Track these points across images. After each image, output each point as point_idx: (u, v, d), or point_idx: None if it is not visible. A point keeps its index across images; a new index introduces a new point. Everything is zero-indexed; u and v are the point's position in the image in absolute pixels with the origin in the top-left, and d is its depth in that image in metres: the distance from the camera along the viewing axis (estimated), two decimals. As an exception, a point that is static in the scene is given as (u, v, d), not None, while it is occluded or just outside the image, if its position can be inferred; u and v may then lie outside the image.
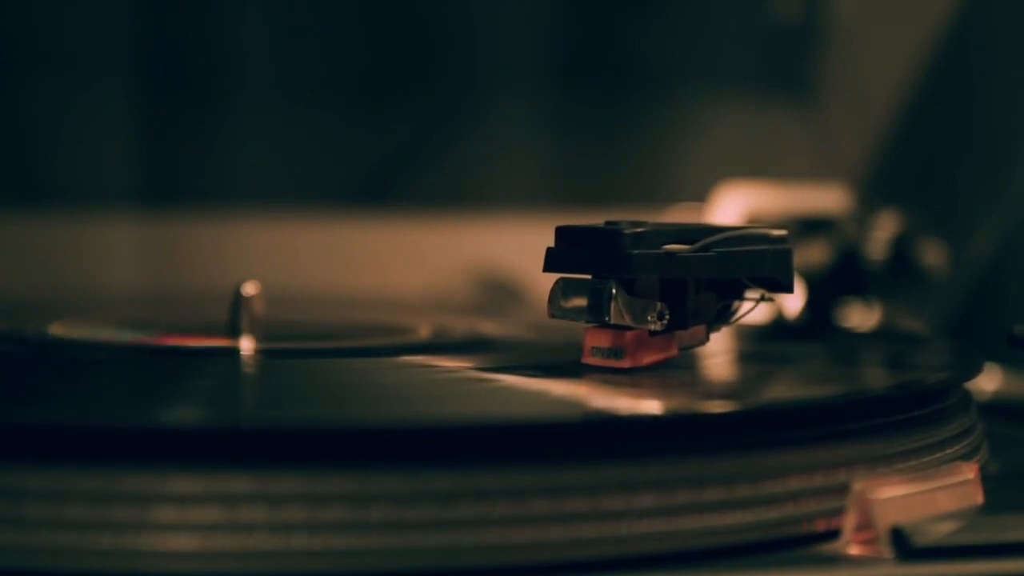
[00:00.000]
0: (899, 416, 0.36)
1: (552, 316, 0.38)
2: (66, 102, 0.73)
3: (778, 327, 0.54)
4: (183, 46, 0.74)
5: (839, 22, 0.70)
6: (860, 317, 0.58)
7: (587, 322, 0.37)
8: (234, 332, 0.44)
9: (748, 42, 0.78)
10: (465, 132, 0.76)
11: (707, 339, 0.39)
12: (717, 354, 0.43)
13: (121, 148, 0.73)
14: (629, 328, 0.37)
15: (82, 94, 0.72)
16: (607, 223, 0.37)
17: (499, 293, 0.70)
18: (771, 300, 0.40)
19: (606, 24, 0.78)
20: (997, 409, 0.48)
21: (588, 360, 0.38)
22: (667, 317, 0.37)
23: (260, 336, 0.44)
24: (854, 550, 0.32)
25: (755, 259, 0.38)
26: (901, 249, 0.58)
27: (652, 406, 0.34)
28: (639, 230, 0.36)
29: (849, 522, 0.32)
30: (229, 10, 0.74)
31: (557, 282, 0.38)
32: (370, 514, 0.29)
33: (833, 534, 0.33)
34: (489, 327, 0.50)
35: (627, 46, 0.77)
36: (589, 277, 0.37)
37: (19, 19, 0.72)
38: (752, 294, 0.39)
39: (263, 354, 0.43)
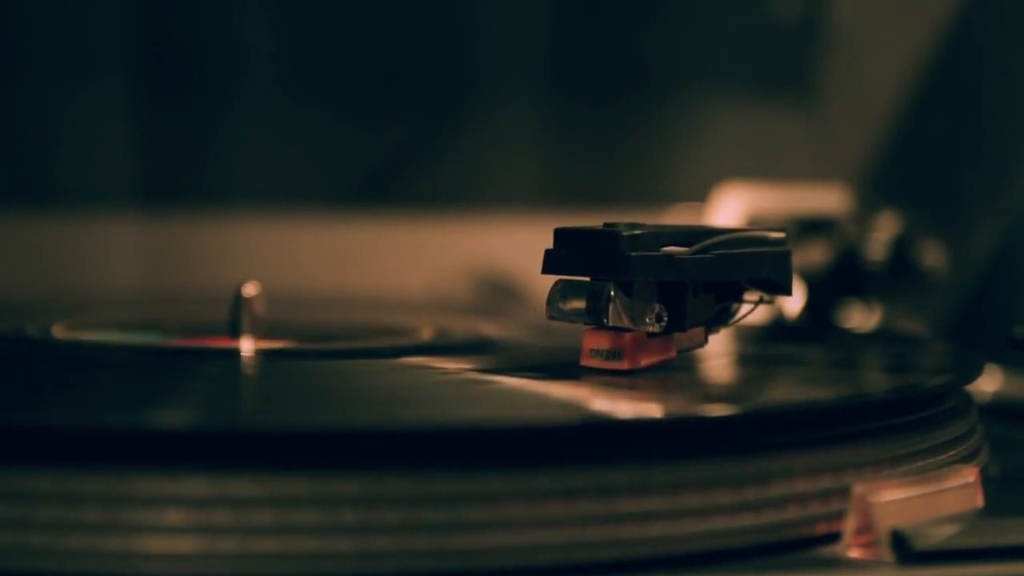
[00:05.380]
0: (899, 419, 0.35)
1: (551, 318, 0.38)
2: (66, 102, 0.73)
3: (778, 328, 0.54)
4: (183, 46, 0.74)
5: (839, 22, 0.70)
6: (860, 318, 0.58)
7: (586, 324, 0.37)
8: (234, 333, 0.44)
9: (748, 42, 0.78)
10: (464, 132, 0.76)
11: (706, 341, 0.39)
12: (717, 356, 0.43)
13: (121, 148, 0.73)
14: (627, 330, 0.37)
15: (82, 94, 0.72)
16: (605, 225, 0.37)
17: (499, 294, 0.70)
18: (770, 302, 0.40)
19: (606, 24, 0.78)
20: (997, 411, 0.48)
21: (587, 362, 0.37)
22: (665, 319, 0.37)
23: (260, 337, 0.44)
24: (854, 553, 0.32)
25: (753, 261, 0.38)
26: (901, 250, 0.58)
27: (651, 409, 0.34)
28: (637, 232, 0.36)
29: (849, 525, 0.32)
30: (229, 10, 0.74)
31: (555, 284, 0.38)
32: (369, 516, 0.29)
33: (833, 537, 0.32)
34: (489, 328, 0.50)
35: (627, 46, 0.77)
36: (588, 279, 0.37)
37: (19, 19, 0.72)
38: (751, 296, 0.39)
39: (263, 355, 0.43)
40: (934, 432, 0.36)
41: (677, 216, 0.68)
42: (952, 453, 0.36)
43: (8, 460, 0.29)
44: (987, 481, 0.36)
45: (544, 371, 0.38)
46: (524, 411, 0.34)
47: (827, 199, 0.62)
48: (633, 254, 0.36)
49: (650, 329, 0.37)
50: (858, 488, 0.32)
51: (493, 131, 0.76)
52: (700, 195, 0.67)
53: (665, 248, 0.37)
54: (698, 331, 0.39)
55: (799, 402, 0.36)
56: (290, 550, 0.29)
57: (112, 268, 0.72)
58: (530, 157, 0.77)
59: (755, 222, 0.60)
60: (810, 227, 0.59)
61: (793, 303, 0.57)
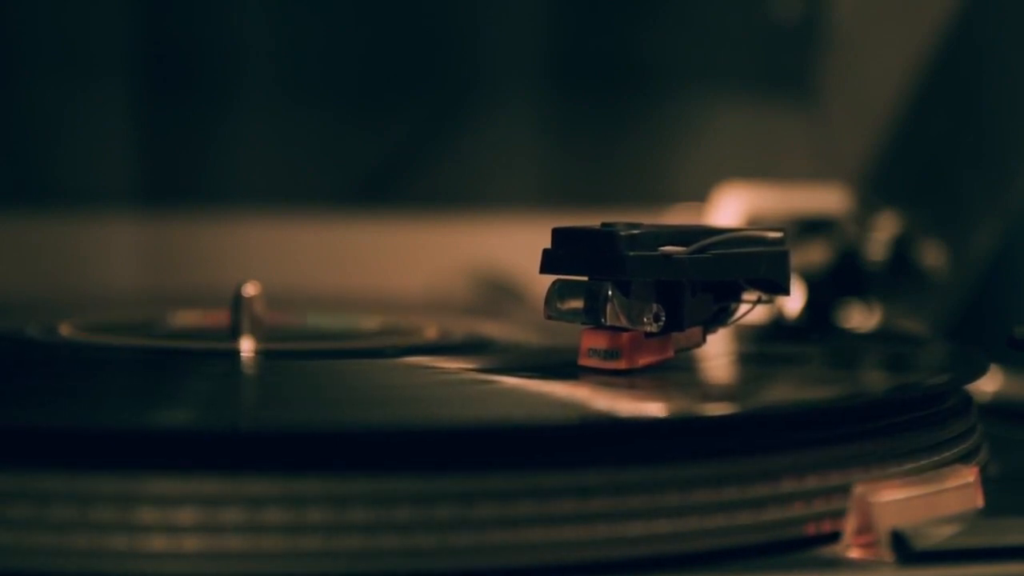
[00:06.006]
0: (899, 418, 0.35)
1: (548, 318, 0.38)
2: (66, 102, 0.73)
3: (778, 328, 0.54)
4: (183, 45, 0.74)
5: (839, 22, 0.70)
6: (860, 318, 0.58)
7: (583, 324, 0.37)
8: (234, 333, 0.44)
9: (748, 42, 0.78)
10: (464, 133, 0.76)
11: (703, 341, 0.39)
12: (716, 355, 0.43)
13: (121, 148, 0.73)
14: (625, 330, 0.37)
15: (82, 94, 0.72)
16: (603, 225, 0.37)
17: (498, 294, 0.70)
18: (768, 302, 0.40)
19: (605, 24, 0.77)
20: (997, 411, 0.48)
21: (584, 362, 0.37)
22: (663, 319, 0.37)
23: (260, 337, 0.44)
24: (854, 553, 0.32)
25: (751, 261, 0.38)
26: (901, 250, 0.58)
27: (650, 408, 0.34)
28: (635, 232, 0.36)
29: (849, 525, 0.32)
30: (229, 10, 0.74)
31: (553, 284, 0.38)
32: (367, 517, 0.29)
33: (833, 537, 0.32)
34: (489, 328, 0.50)
35: (627, 46, 0.77)
36: (585, 279, 0.37)
37: (19, 19, 0.72)
38: (749, 296, 0.39)
39: (263, 355, 0.43)
40: (934, 432, 0.36)
41: (677, 216, 0.68)
42: (952, 453, 0.36)
43: (6, 460, 0.29)
44: (987, 481, 0.36)
45: (543, 371, 0.38)
46: (522, 411, 0.34)
47: (827, 199, 0.62)
48: (631, 254, 0.36)
49: (648, 329, 0.37)
50: (858, 488, 0.32)
51: (493, 131, 0.76)
52: (700, 195, 0.67)
53: (663, 248, 0.37)
54: (696, 331, 0.39)
55: (799, 402, 0.36)
56: (288, 549, 0.29)
57: (112, 268, 0.72)
58: (530, 157, 0.77)
59: (755, 222, 0.60)
60: (810, 227, 0.59)
61: (793, 303, 0.57)
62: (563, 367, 0.38)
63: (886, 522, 0.32)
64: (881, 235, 0.58)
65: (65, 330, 0.47)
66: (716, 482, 0.32)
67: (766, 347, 0.48)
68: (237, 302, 0.44)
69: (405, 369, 0.41)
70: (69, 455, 0.29)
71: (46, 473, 0.29)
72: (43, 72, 0.72)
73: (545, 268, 0.37)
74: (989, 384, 0.50)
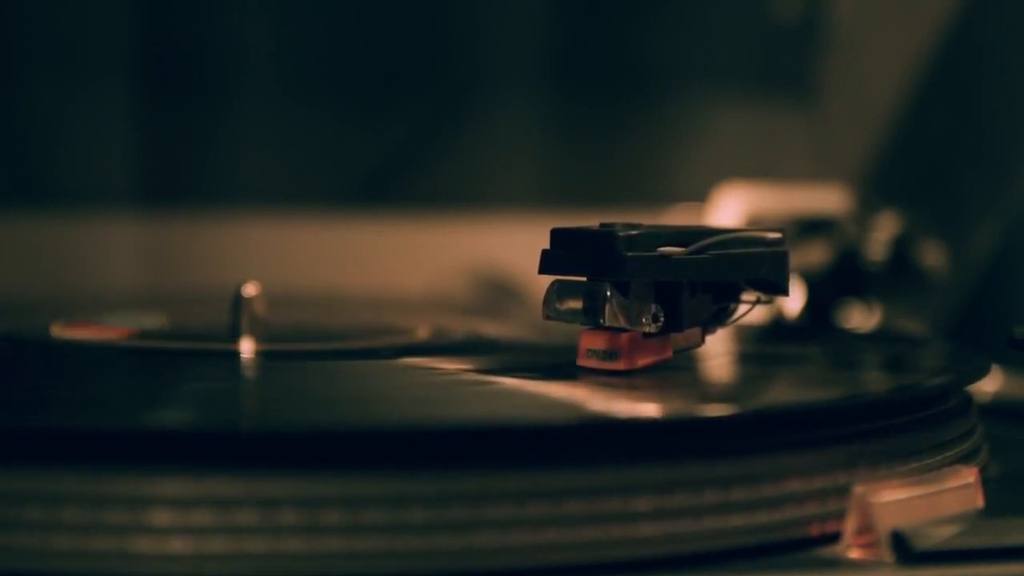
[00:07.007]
0: (900, 419, 0.35)
1: (547, 318, 0.38)
2: (66, 102, 0.73)
3: (778, 328, 0.54)
4: (183, 45, 0.74)
5: (839, 22, 0.70)
6: (860, 318, 0.58)
7: (582, 324, 0.37)
8: (234, 333, 0.44)
9: (748, 42, 0.78)
10: (464, 133, 0.76)
11: (702, 341, 0.39)
12: (716, 355, 0.42)
13: (121, 148, 0.73)
14: (624, 330, 0.37)
15: (82, 94, 0.72)
16: (602, 225, 0.37)
17: (498, 294, 0.70)
18: (767, 303, 0.40)
19: (605, 24, 0.77)
20: (997, 411, 0.48)
21: (583, 362, 0.37)
22: (662, 319, 0.37)
23: (260, 337, 0.44)
24: (854, 554, 0.32)
25: (750, 262, 0.38)
26: (901, 250, 0.58)
27: (649, 409, 0.34)
28: (633, 233, 0.36)
29: (849, 525, 0.32)
30: (229, 10, 0.74)
31: (552, 284, 0.38)
32: (366, 517, 0.29)
33: (833, 537, 0.32)
34: (488, 328, 0.50)
35: (627, 46, 0.77)
36: (584, 279, 0.37)
37: (19, 19, 0.72)
38: (748, 296, 0.39)
39: (263, 356, 0.43)
40: (934, 432, 0.36)
41: (677, 216, 0.68)
42: (952, 453, 0.36)
43: (2, 461, 0.29)
44: (987, 481, 0.36)
45: (542, 371, 0.38)
46: (521, 411, 0.34)
47: (827, 199, 0.62)
48: (629, 254, 0.36)
49: (646, 329, 0.37)
50: (858, 488, 0.32)
51: (493, 131, 0.76)
52: (700, 195, 0.67)
53: (662, 248, 0.37)
54: (695, 331, 0.39)
55: (799, 402, 0.36)
56: (285, 550, 0.29)
57: (112, 268, 0.72)
58: (530, 157, 0.77)
59: (755, 222, 0.60)
60: (810, 227, 0.59)
61: (793, 303, 0.57)
62: (562, 368, 0.38)
63: (886, 522, 0.32)
64: (881, 235, 0.58)
65: (64, 330, 0.47)
66: (716, 483, 0.32)
67: (766, 347, 0.48)
68: (237, 302, 0.44)
69: (404, 369, 0.41)
70: (68, 455, 0.29)
71: (38, 472, 0.29)
72: (43, 72, 0.72)
73: (544, 269, 0.37)
74: (989, 384, 0.50)
